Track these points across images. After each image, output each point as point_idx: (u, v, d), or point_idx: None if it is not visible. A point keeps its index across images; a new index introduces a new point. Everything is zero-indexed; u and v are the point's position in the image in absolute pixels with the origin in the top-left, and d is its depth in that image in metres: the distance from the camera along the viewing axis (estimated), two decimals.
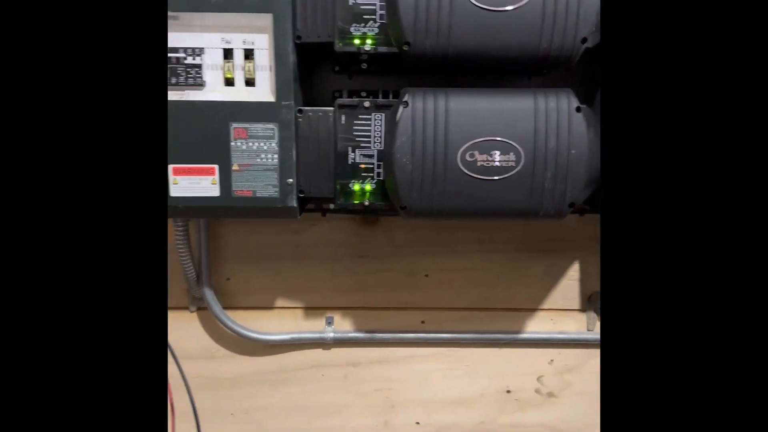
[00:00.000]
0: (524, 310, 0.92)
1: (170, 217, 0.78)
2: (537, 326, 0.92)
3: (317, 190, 0.71)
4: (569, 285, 0.91)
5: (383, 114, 0.69)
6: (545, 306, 0.92)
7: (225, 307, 0.88)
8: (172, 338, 0.85)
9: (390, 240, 0.89)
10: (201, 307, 0.89)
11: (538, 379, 0.94)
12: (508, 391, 0.95)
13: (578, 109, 0.65)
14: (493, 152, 0.65)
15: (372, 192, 0.71)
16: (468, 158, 0.65)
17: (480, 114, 0.65)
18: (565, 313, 0.91)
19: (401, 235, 0.89)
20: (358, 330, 0.91)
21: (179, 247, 0.81)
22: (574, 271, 0.90)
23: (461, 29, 0.63)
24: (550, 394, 0.95)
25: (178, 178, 0.69)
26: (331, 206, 0.78)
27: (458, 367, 0.94)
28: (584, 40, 0.64)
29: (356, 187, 0.71)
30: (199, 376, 0.90)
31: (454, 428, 0.96)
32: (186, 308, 0.89)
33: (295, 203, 0.71)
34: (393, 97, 0.69)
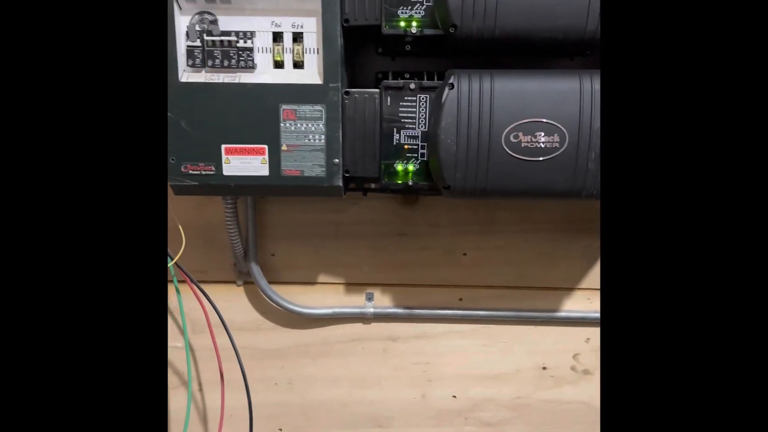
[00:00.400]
0: (561, 289, 0.93)
1: (222, 195, 0.82)
2: (574, 305, 0.93)
3: (362, 170, 0.74)
4: None
5: (428, 95, 0.70)
6: (582, 285, 0.93)
7: (270, 282, 0.91)
8: (221, 310, 0.89)
9: (429, 219, 0.91)
10: (248, 282, 0.93)
11: (574, 356, 0.96)
12: (544, 368, 0.97)
13: None
14: (537, 133, 0.66)
15: (415, 172, 0.73)
16: (512, 139, 0.66)
17: (525, 95, 0.66)
18: None
19: (440, 215, 0.91)
20: (397, 306, 0.94)
21: (228, 224, 0.84)
22: None
23: (508, 11, 0.64)
24: (586, 372, 0.97)
25: (230, 157, 0.72)
26: (373, 186, 0.80)
27: (494, 344, 0.96)
28: None
29: (400, 167, 0.73)
30: (244, 347, 0.94)
31: (490, 402, 0.99)
32: (234, 282, 0.93)
33: (341, 182, 0.73)
34: (438, 79, 0.71)
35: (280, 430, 0.99)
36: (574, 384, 0.97)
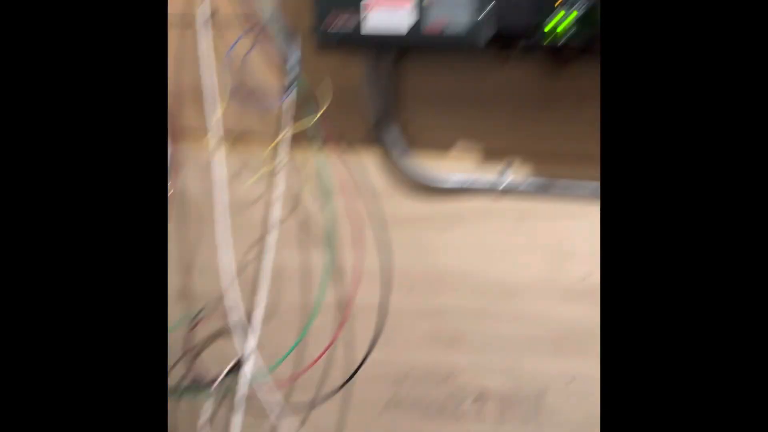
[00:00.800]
0: None
1: (365, 48, 0.80)
2: None
3: (513, 24, 0.68)
4: None
5: None
6: None
7: (406, 148, 0.91)
8: (356, 174, 0.91)
9: (577, 88, 0.84)
10: (383, 147, 0.93)
11: None
12: None
13: None
14: None
15: (576, 21, 0.66)
16: None
17: None
18: None
19: (590, 84, 0.83)
20: (534, 178, 0.91)
21: (368, 85, 0.84)
22: None
23: None
24: None
25: (373, 7, 0.70)
26: (525, 43, 0.74)
27: None
28: None
29: (557, 18, 0.66)
30: (378, 211, 0.97)
31: None
32: (370, 146, 0.94)
33: (486, 39, 0.68)
34: None
35: (411, 291, 1.03)
36: None
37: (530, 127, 0.87)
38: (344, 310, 1.03)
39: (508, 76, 0.85)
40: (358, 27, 0.71)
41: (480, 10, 0.66)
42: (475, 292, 1.01)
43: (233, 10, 0.85)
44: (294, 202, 0.99)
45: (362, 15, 0.70)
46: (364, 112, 0.90)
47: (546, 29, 0.66)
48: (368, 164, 0.95)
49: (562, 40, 0.67)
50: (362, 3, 0.69)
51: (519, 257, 0.97)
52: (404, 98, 0.89)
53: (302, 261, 1.04)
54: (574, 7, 0.65)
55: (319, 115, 0.83)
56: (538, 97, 0.85)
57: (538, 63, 0.83)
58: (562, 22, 0.66)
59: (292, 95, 0.87)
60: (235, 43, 0.86)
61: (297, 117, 0.89)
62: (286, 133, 0.89)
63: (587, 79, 0.83)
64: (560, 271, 0.97)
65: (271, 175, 0.94)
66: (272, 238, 0.97)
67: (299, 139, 0.93)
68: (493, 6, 0.67)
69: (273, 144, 0.92)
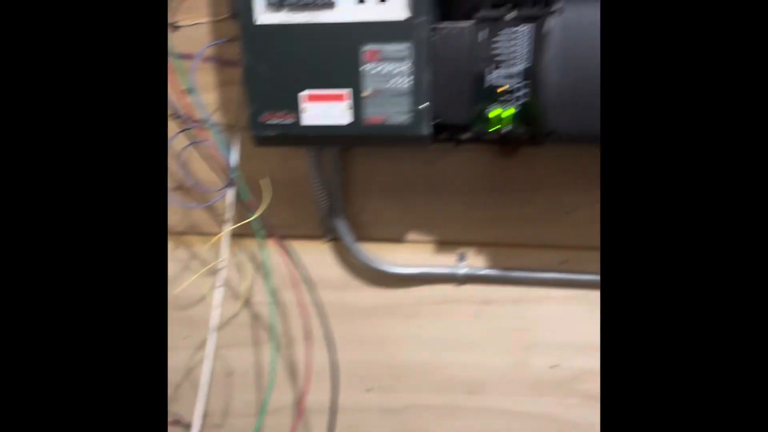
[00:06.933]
0: None
1: (302, 146, 0.78)
2: None
3: (453, 116, 0.66)
4: None
5: (530, 26, 0.61)
6: None
7: (357, 239, 0.87)
8: (307, 266, 0.87)
9: (529, 172, 0.82)
10: (334, 238, 0.89)
11: None
12: None
13: None
14: None
15: (513, 117, 0.65)
16: None
17: None
18: None
19: (542, 167, 0.81)
20: (491, 267, 0.87)
21: (313, 178, 0.81)
22: None
23: None
24: None
25: (310, 105, 0.67)
26: (466, 134, 0.72)
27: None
28: None
29: (496, 112, 0.65)
30: (331, 304, 0.92)
31: (592, 374, 0.90)
32: (320, 238, 0.90)
33: (428, 131, 0.66)
34: (543, 5, 0.61)
35: (369, 389, 0.97)
36: None
37: (485, 214, 0.84)
38: (297, 410, 0.96)
39: (459, 163, 0.82)
40: (295, 122, 0.68)
41: (418, 102, 0.64)
42: (439, 387, 0.95)
43: (170, 108, 0.82)
44: (240, 299, 0.94)
45: (300, 109, 0.68)
46: (312, 203, 0.86)
47: (490, 116, 0.64)
48: (319, 256, 0.91)
49: (506, 130, 0.65)
50: (300, 96, 0.67)
51: (482, 348, 0.92)
52: (353, 188, 0.86)
53: (253, 359, 0.97)
54: (510, 104, 0.63)
55: (262, 210, 0.79)
56: (489, 183, 0.83)
57: (487, 149, 0.81)
58: (503, 113, 0.64)
59: (233, 191, 0.84)
60: (173, 138, 0.83)
61: (240, 212, 0.85)
62: (230, 229, 0.85)
63: (539, 164, 0.81)
64: (526, 362, 0.91)
65: (215, 272, 0.89)
66: (214, 338, 0.91)
67: (243, 234, 0.88)
68: (433, 97, 0.65)
69: (214, 240, 0.87)
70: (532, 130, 0.63)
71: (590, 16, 0.56)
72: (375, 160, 0.84)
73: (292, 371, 0.98)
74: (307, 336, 0.89)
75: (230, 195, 0.84)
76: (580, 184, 0.81)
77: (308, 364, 0.91)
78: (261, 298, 0.94)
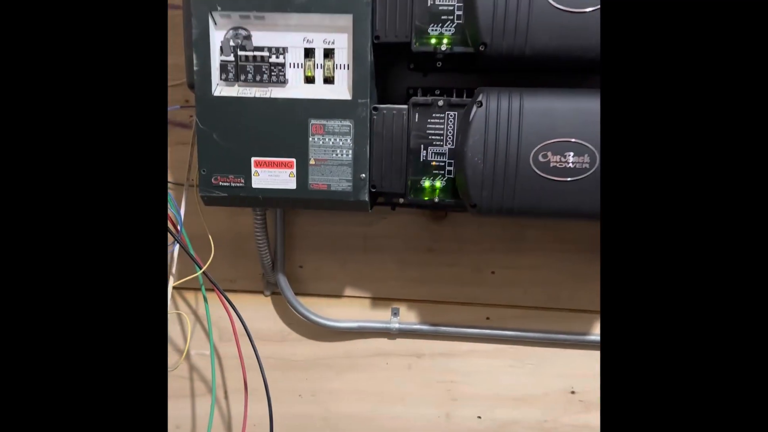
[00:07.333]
0: (591, 311, 0.91)
1: (251, 207, 0.83)
2: None
3: (389, 186, 0.74)
4: None
5: (456, 112, 0.70)
6: None
7: (297, 293, 0.92)
8: (247, 320, 0.90)
9: (458, 235, 0.90)
10: (275, 292, 0.94)
11: None
12: (573, 392, 0.94)
13: None
14: (566, 153, 0.65)
15: (442, 189, 0.73)
16: (541, 159, 0.65)
17: (554, 114, 0.65)
18: None
19: (469, 231, 0.90)
20: (423, 322, 0.93)
21: (257, 235, 0.86)
22: None
23: (539, 31, 0.63)
24: None
25: (259, 170, 0.73)
26: (401, 201, 0.80)
27: (522, 365, 0.94)
28: None
29: (427, 183, 0.73)
30: (270, 357, 0.95)
31: (515, 425, 0.96)
32: (261, 292, 0.94)
33: (367, 197, 0.73)
34: (467, 96, 0.70)
35: None
36: None
37: (417, 272, 0.91)
38: None
39: (394, 226, 0.90)
40: (245, 185, 0.73)
41: (359, 171, 0.71)
42: None
43: None
44: (181, 352, 0.96)
45: (251, 173, 0.73)
46: (253, 259, 0.91)
47: (425, 186, 0.72)
48: (259, 310, 0.95)
49: (438, 199, 0.72)
50: (251, 161, 0.73)
51: (414, 400, 0.97)
52: (294, 245, 0.91)
53: (190, 412, 0.98)
54: (441, 177, 0.72)
55: (206, 266, 0.83)
56: (421, 244, 0.90)
57: (421, 213, 0.89)
58: (436, 184, 0.72)
59: (176, 246, 0.87)
60: None
61: (183, 267, 0.88)
62: (173, 284, 0.88)
63: (465, 228, 0.89)
64: (454, 413, 0.97)
65: None
66: None
67: (185, 287, 0.91)
68: (372, 167, 0.72)
69: None
70: (458, 201, 0.72)
71: (507, 108, 0.65)
72: (316, 219, 0.91)
73: (229, 424, 0.99)
74: (246, 388, 0.92)
75: (175, 250, 0.87)
76: (503, 248, 0.90)
77: (246, 416, 0.93)
78: (201, 351, 0.96)
